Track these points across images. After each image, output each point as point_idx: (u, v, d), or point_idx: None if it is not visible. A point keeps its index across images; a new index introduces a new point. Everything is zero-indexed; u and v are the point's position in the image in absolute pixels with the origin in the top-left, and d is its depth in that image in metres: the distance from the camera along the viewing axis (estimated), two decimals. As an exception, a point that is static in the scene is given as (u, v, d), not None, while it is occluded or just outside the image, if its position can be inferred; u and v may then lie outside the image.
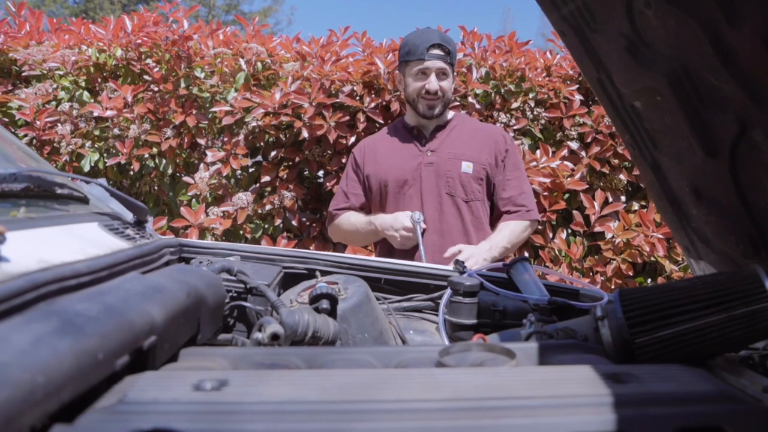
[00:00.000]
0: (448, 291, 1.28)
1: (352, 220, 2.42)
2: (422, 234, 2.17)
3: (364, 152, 2.47)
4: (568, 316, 1.19)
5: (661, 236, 3.05)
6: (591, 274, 3.24)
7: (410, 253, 2.24)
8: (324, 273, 1.38)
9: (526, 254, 3.20)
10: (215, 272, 1.08)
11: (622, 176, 3.32)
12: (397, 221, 2.23)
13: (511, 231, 2.29)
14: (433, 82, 2.29)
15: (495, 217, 2.39)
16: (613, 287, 3.15)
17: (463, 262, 1.44)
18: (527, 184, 2.42)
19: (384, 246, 2.37)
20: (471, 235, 2.29)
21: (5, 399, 0.42)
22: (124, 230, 1.08)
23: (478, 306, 1.24)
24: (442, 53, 2.28)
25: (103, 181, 1.26)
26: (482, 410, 0.53)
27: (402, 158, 2.37)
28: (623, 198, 3.36)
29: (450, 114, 2.47)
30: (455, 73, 2.44)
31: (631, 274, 3.21)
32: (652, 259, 3.17)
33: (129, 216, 1.24)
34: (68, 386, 0.50)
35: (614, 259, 3.20)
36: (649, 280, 3.33)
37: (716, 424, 0.54)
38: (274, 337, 0.86)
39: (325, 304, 1.06)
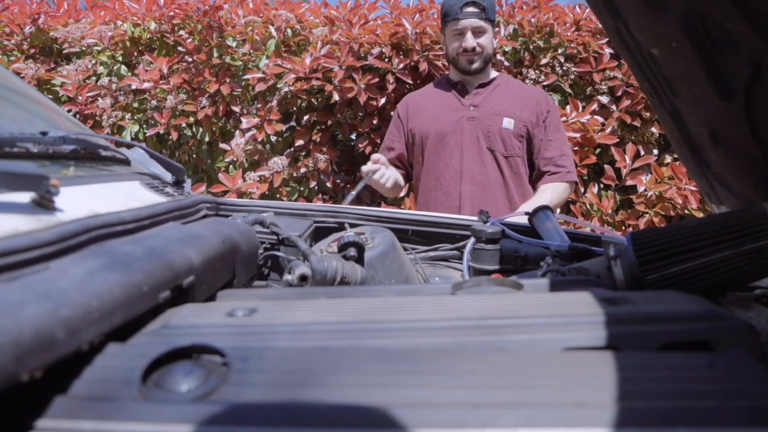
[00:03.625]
0: (472, 239, 1.33)
1: None
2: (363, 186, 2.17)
3: (408, 107, 2.53)
4: (589, 261, 1.23)
5: (693, 188, 3.01)
6: (623, 227, 3.23)
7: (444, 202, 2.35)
8: (353, 226, 1.45)
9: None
10: (249, 224, 1.15)
11: (653, 129, 3.27)
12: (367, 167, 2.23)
13: (552, 191, 2.33)
14: (469, 40, 2.34)
15: (536, 176, 2.42)
16: (646, 240, 3.13)
17: (487, 212, 1.48)
18: (567, 146, 2.45)
19: (421, 200, 2.46)
20: (511, 189, 2.35)
21: (67, 316, 0.50)
22: (163, 188, 1.16)
23: (501, 252, 1.29)
24: (476, 10, 2.32)
25: (143, 144, 1.34)
26: (485, 328, 0.58)
27: (444, 111, 2.42)
28: (655, 151, 3.32)
29: (494, 74, 2.52)
30: (497, 29, 2.47)
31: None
32: (686, 211, 3.14)
33: (168, 177, 1.32)
34: (119, 311, 0.58)
35: (647, 213, 3.18)
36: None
37: (702, 339, 0.58)
38: (303, 278, 0.93)
39: (352, 251, 1.12)
